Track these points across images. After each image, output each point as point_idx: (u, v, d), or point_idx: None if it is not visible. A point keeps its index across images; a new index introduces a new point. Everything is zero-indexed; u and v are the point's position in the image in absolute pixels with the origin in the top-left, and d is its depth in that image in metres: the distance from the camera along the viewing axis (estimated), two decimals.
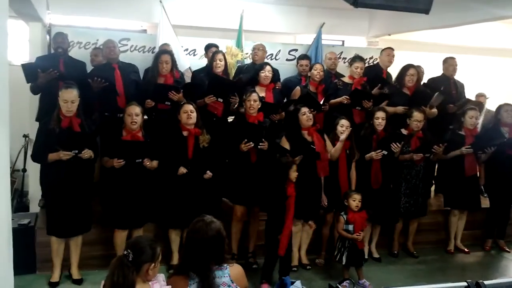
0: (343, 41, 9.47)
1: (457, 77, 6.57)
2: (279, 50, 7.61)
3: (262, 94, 5.50)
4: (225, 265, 2.72)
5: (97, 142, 4.67)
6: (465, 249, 6.03)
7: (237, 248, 5.17)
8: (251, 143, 4.84)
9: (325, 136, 5.27)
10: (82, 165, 4.45)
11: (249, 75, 5.91)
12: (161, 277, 2.79)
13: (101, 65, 5.80)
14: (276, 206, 4.55)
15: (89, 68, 5.86)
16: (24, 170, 6.61)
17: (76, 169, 4.43)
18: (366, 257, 5.35)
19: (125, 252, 2.66)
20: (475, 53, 9.77)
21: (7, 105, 2.96)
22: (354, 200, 4.83)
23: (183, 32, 7.31)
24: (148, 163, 4.61)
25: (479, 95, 7.41)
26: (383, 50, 6.64)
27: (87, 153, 4.38)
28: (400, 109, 5.77)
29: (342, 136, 5.11)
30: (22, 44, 7.32)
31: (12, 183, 5.81)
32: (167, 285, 2.71)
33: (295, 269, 5.15)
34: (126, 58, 5.96)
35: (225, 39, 7.17)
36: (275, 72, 5.91)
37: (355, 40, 9.13)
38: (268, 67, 5.63)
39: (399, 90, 5.99)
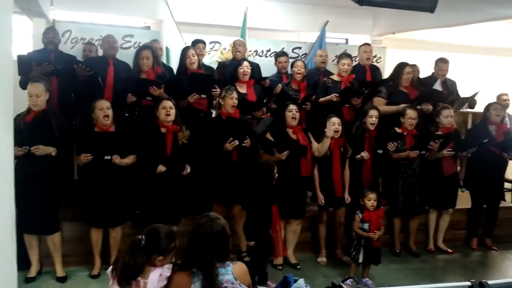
0: (347, 39, 9.44)
1: (459, 76, 6.54)
2: (283, 48, 7.60)
3: (243, 91, 5.47)
4: (228, 262, 2.72)
5: (66, 140, 4.53)
6: (448, 249, 5.99)
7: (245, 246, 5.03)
8: (236, 141, 4.79)
9: (310, 135, 5.25)
10: (52, 162, 4.39)
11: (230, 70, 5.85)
12: (166, 266, 2.78)
13: (97, 57, 5.79)
14: (260, 207, 4.47)
15: None
16: None
17: (44, 166, 4.36)
18: None
19: (140, 237, 2.70)
20: (479, 52, 9.74)
21: (11, 100, 2.95)
22: (369, 200, 4.81)
23: (187, 29, 7.30)
24: (117, 160, 4.52)
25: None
26: (360, 47, 6.53)
27: (39, 150, 4.26)
28: (402, 107, 5.72)
29: (328, 133, 5.08)
30: (26, 40, 7.31)
31: None
32: (170, 280, 2.70)
33: (281, 267, 5.14)
34: (130, 55, 5.94)
35: (229, 36, 7.16)
36: (254, 67, 5.84)
37: (359, 38, 9.10)
38: (245, 63, 5.58)
39: (397, 89, 5.97)
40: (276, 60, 6.43)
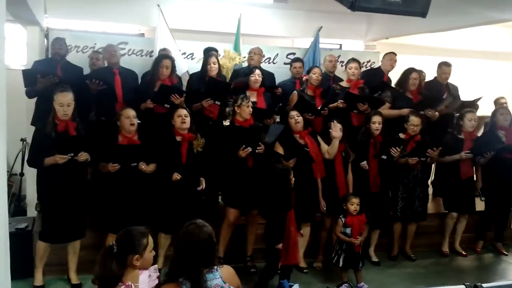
0: (340, 45, 9.47)
1: (453, 80, 6.57)
2: (277, 54, 7.63)
3: (254, 99, 5.48)
4: (215, 267, 2.73)
5: (92, 145, 4.62)
6: (463, 252, 6.03)
7: (223, 252, 5.03)
8: (249, 148, 4.81)
9: (319, 138, 5.27)
10: (78, 169, 4.44)
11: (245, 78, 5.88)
12: (153, 267, 2.81)
13: (102, 69, 5.82)
14: (278, 214, 4.50)
15: (87, 72, 5.83)
16: (22, 174, 6.60)
17: (72, 174, 4.41)
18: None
19: (111, 244, 2.72)
20: (472, 56, 9.79)
21: (4, 109, 2.95)
22: (352, 204, 4.84)
23: (181, 35, 7.31)
24: (143, 167, 4.58)
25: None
26: (385, 54, 6.63)
27: (83, 156, 4.36)
28: (405, 111, 5.73)
29: (334, 133, 5.10)
30: (20, 48, 7.31)
31: (10, 187, 5.80)
32: None
33: (306, 270, 5.22)
34: (124, 62, 5.96)
35: (222, 43, 7.17)
36: (266, 76, 5.87)
37: (353, 43, 9.14)
38: (257, 71, 5.60)
39: (402, 94, 6.00)
40: (291, 65, 6.50)
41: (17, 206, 6.40)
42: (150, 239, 2.82)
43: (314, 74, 5.88)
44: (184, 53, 7.14)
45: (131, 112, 4.61)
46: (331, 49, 8.26)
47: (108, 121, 5.19)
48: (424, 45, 9.19)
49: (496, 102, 7.01)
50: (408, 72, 6.01)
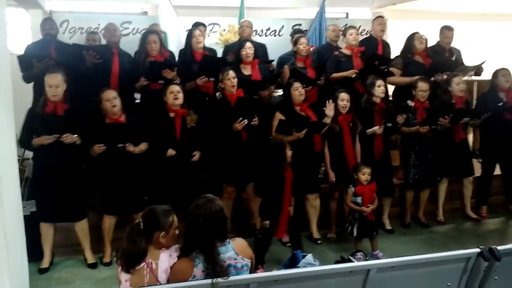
0: (347, 14, 9.34)
1: (459, 44, 6.46)
2: (282, 26, 7.54)
3: (248, 72, 5.42)
4: (228, 240, 2.75)
5: (84, 128, 4.54)
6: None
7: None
8: (245, 120, 4.80)
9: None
10: (69, 151, 4.42)
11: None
12: (174, 247, 2.83)
13: (102, 46, 5.76)
14: (273, 189, 4.49)
15: None
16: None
17: (62, 156, 4.39)
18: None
19: (138, 221, 2.76)
20: (482, 19, 9.61)
21: (10, 94, 2.96)
22: (363, 174, 4.82)
23: (185, 12, 7.24)
24: (131, 148, 4.53)
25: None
26: (374, 19, 6.46)
27: (68, 138, 4.31)
28: (415, 79, 5.64)
29: (328, 112, 5.01)
30: (24, 32, 7.29)
31: (22, 171, 5.83)
32: (172, 269, 2.72)
33: (289, 245, 5.12)
34: (129, 41, 5.94)
35: (227, 17, 7.10)
36: (259, 48, 5.77)
37: (360, 11, 9.00)
38: (248, 44, 5.49)
39: (412, 59, 5.93)
40: (296, 42, 6.02)
41: (30, 190, 6.45)
42: (175, 217, 2.84)
43: (301, 44, 5.72)
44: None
45: (111, 94, 4.55)
46: (337, 18, 8.13)
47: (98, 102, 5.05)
48: (432, 10, 9.03)
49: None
50: (411, 35, 5.95)
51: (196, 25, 6.14)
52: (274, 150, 4.50)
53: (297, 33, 6.39)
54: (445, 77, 5.78)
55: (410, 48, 5.95)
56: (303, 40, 5.79)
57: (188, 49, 5.49)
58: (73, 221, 4.66)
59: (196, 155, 4.82)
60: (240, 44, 5.66)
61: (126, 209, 4.69)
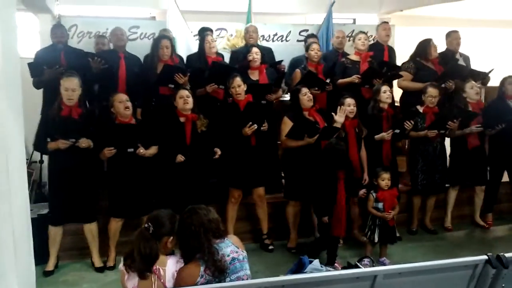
0: (354, 19, 9.32)
1: (468, 50, 6.45)
2: (290, 31, 7.54)
3: (255, 78, 5.46)
4: (224, 238, 2.86)
5: (96, 132, 4.60)
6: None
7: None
8: (255, 125, 4.82)
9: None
10: (84, 155, 4.46)
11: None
12: (180, 253, 2.85)
13: (108, 51, 5.80)
14: (327, 189, 4.55)
15: None
16: (42, 161, 6.67)
17: (78, 159, 4.45)
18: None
19: (146, 225, 2.76)
20: (489, 26, 9.56)
21: (19, 98, 2.96)
22: (383, 180, 4.84)
23: (192, 17, 7.25)
24: (142, 151, 4.57)
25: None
26: (378, 25, 6.52)
27: (84, 142, 4.38)
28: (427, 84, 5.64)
29: (338, 118, 5.04)
30: (33, 37, 7.33)
31: (30, 174, 5.87)
32: (178, 274, 2.74)
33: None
34: (137, 46, 5.96)
35: (234, 22, 7.11)
36: (264, 52, 5.79)
37: (367, 17, 8.99)
38: (254, 49, 5.54)
39: (424, 65, 5.93)
40: (308, 48, 6.03)
41: (38, 193, 6.48)
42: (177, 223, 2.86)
43: (313, 50, 5.75)
44: (196, 35, 7.08)
45: (123, 96, 4.61)
46: (344, 24, 8.12)
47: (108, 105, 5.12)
48: (440, 16, 8.99)
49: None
50: (427, 41, 5.96)
51: (205, 30, 6.16)
52: (335, 149, 4.54)
53: (310, 37, 6.38)
54: (453, 85, 5.78)
55: (424, 54, 5.95)
56: (314, 46, 5.82)
57: (201, 54, 5.56)
58: (84, 222, 4.68)
59: (218, 152, 4.82)
60: (246, 49, 5.68)
61: (134, 212, 4.70)
